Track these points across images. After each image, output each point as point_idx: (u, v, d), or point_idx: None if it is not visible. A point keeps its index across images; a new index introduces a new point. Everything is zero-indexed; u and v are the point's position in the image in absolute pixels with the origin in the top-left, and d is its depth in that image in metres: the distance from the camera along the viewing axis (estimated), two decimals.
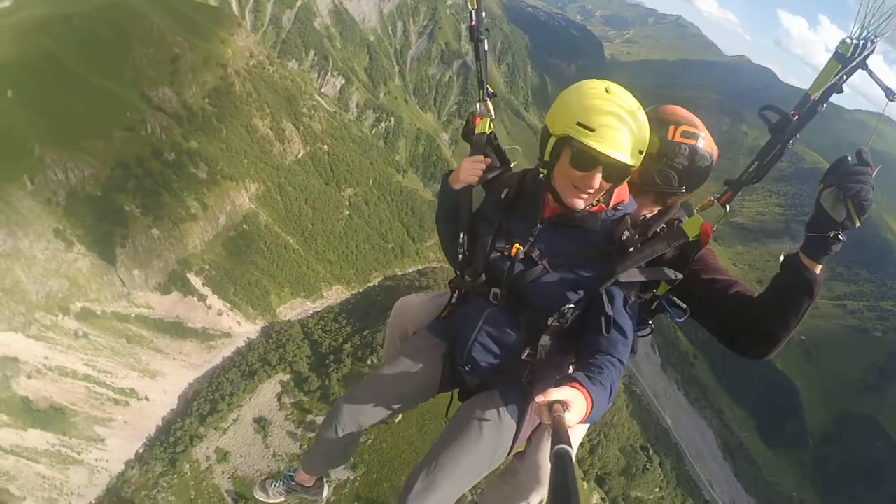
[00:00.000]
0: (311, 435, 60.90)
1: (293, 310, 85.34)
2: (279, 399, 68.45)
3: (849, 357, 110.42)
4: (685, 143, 3.19)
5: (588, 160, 2.75)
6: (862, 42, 2.58)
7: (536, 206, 3.11)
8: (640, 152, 2.79)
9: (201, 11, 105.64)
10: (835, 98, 2.83)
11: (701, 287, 3.18)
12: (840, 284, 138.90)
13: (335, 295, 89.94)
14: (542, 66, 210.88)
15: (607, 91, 2.73)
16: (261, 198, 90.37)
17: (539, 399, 2.26)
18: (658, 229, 3.24)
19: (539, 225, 3.10)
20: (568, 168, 2.84)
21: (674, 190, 3.28)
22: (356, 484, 58.71)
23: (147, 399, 69.71)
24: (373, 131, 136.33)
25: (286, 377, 70.07)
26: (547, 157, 2.91)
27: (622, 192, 3.09)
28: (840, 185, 2.49)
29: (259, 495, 4.61)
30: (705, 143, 3.24)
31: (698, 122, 3.29)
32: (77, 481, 63.93)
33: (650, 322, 3.44)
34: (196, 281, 79.91)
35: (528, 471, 3.58)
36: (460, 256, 3.43)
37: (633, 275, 2.97)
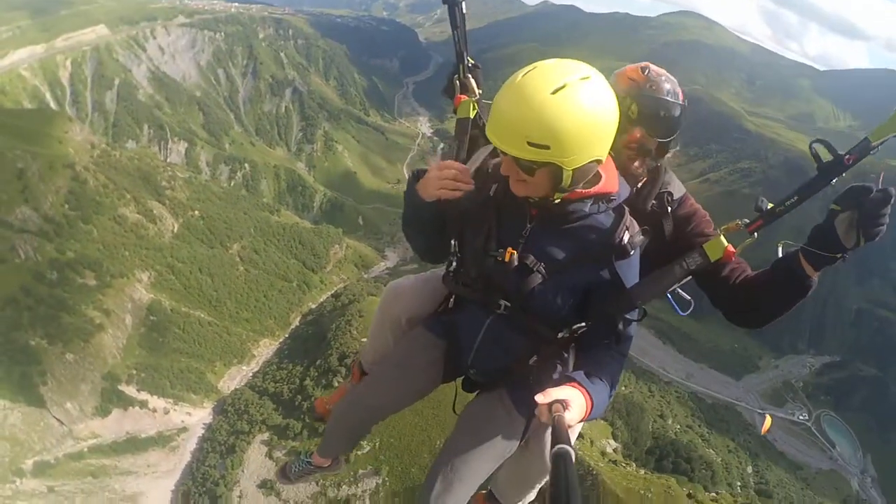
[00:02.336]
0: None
1: (233, 380, 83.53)
2: (271, 457, 66.33)
3: (726, 218, 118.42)
4: (630, 86, 3.17)
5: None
6: None
7: (523, 204, 2.91)
8: (533, 145, 2.42)
9: (26, 117, 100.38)
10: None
11: (708, 273, 3.11)
12: (698, 163, 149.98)
13: (265, 349, 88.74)
14: (366, 70, 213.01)
15: (528, 71, 2.48)
16: (156, 284, 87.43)
17: (539, 399, 2.32)
18: (650, 206, 3.27)
19: (529, 225, 2.92)
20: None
21: (640, 143, 3.21)
22: (386, 484, 58.10)
23: None
24: (231, 183, 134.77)
25: (265, 435, 68.53)
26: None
27: (609, 183, 2.87)
28: (862, 223, 2.49)
29: (283, 482, 4.78)
30: (653, 82, 3.17)
31: (649, 67, 3.24)
32: None
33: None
34: (130, 390, 76.46)
35: (533, 457, 3.46)
36: (453, 263, 3.27)
37: (649, 296, 2.92)
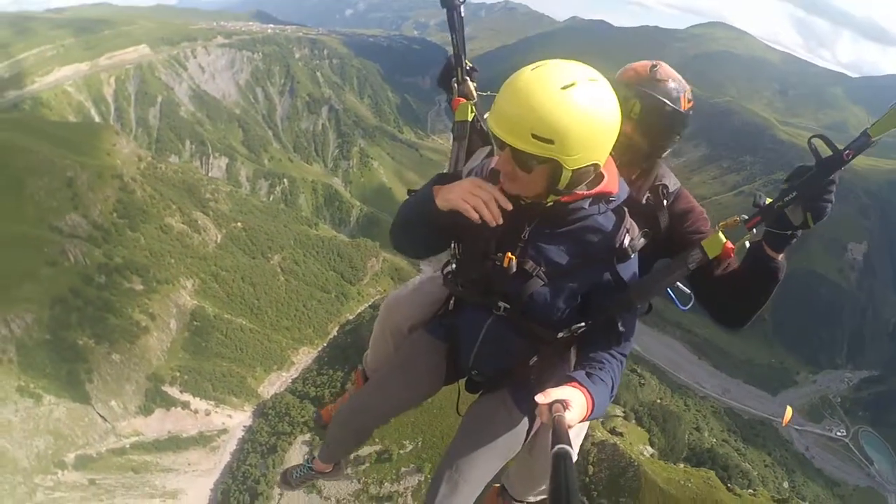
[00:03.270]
0: (363, 467, 60.91)
1: (272, 385, 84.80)
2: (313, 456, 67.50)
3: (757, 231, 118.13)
4: (632, 78, 3.22)
5: (494, 137, 2.57)
6: None
7: (520, 206, 2.82)
8: (537, 138, 2.38)
9: (75, 130, 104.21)
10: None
11: (701, 272, 3.11)
12: (732, 176, 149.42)
13: (304, 357, 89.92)
14: (399, 88, 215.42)
15: (535, 67, 2.45)
16: (200, 291, 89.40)
17: (539, 399, 2.31)
18: (644, 199, 3.33)
19: (528, 227, 2.88)
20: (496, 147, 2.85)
21: (638, 147, 3.25)
22: (429, 481, 58.36)
23: None
24: (271, 197, 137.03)
25: (307, 436, 69.51)
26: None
27: (610, 183, 2.85)
28: (805, 201, 2.64)
29: (284, 487, 4.93)
30: (658, 82, 3.19)
31: (659, 66, 3.25)
32: None
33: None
34: (173, 391, 78.33)
35: (540, 455, 3.53)
36: (453, 266, 3.30)
37: (649, 294, 2.96)
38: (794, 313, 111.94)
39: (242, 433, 78.27)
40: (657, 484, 42.64)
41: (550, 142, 2.37)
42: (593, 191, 2.75)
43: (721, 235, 2.88)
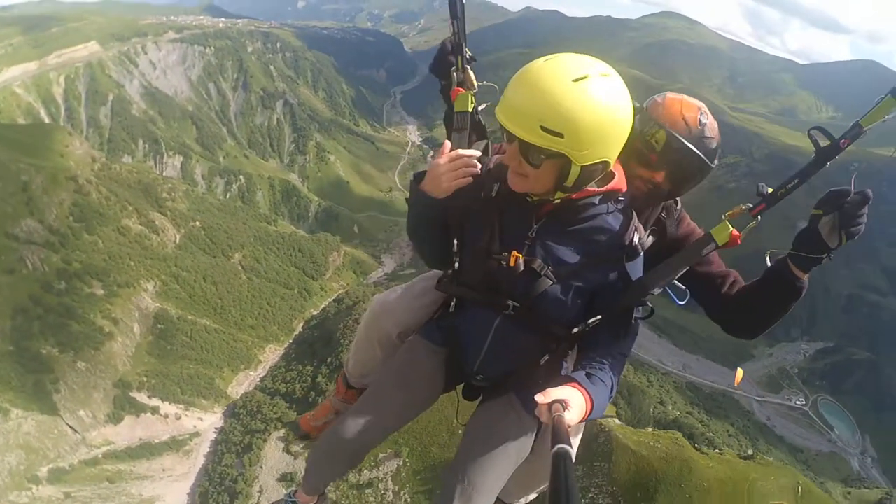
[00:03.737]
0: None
1: (241, 385, 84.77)
2: (288, 451, 67.33)
3: (714, 212, 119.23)
4: (678, 124, 3.05)
5: (502, 129, 2.55)
6: None
7: (527, 205, 2.83)
8: (546, 130, 2.38)
9: (26, 132, 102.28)
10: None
11: (699, 278, 3.21)
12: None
13: (271, 355, 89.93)
14: (354, 80, 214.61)
15: (547, 59, 2.45)
16: (161, 293, 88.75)
17: (539, 399, 2.28)
18: (660, 216, 3.30)
19: (535, 225, 2.84)
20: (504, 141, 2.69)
21: (655, 191, 3.16)
22: (407, 464, 58.43)
23: None
24: (227, 195, 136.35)
25: (281, 432, 69.30)
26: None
27: (619, 181, 2.84)
28: (842, 223, 2.58)
29: None
30: (703, 138, 3.04)
31: (708, 118, 3.09)
32: None
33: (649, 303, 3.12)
34: (141, 397, 77.79)
35: (540, 458, 3.40)
36: (455, 264, 3.16)
37: (659, 283, 2.92)
38: None
39: (215, 434, 78.05)
40: (628, 447, 43.49)
41: (560, 135, 2.38)
42: (603, 189, 2.75)
43: (728, 224, 2.89)
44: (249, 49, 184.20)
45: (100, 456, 72.58)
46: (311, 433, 4.31)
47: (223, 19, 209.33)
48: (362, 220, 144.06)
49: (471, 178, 2.91)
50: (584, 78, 2.32)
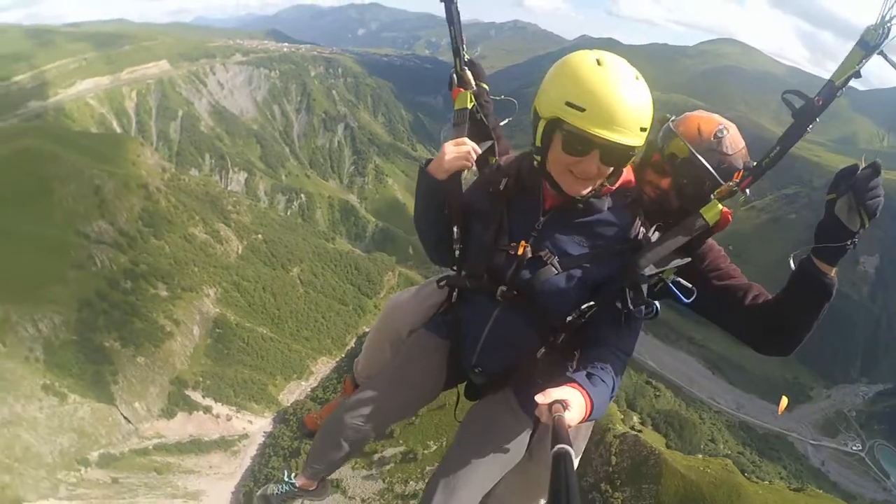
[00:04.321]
0: (388, 467, 61.31)
1: (292, 393, 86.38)
2: None
3: (774, 245, 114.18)
4: (693, 137, 3.01)
5: (581, 144, 2.55)
6: (887, 28, 2.60)
7: (536, 197, 2.94)
8: (643, 130, 2.56)
9: (101, 140, 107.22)
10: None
11: (718, 293, 3.05)
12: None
13: (322, 367, 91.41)
14: (412, 106, 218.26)
15: (599, 63, 2.51)
16: (222, 300, 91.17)
17: (539, 399, 2.29)
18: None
19: (542, 218, 2.93)
20: (561, 154, 2.65)
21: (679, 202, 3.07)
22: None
23: None
24: (288, 212, 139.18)
25: None
26: (538, 143, 2.71)
27: (629, 173, 2.95)
28: (858, 199, 2.45)
29: None
30: (718, 154, 2.99)
31: (727, 133, 3.03)
32: None
33: (656, 303, 3.00)
34: (195, 395, 79.90)
35: (539, 468, 3.45)
36: (456, 253, 3.26)
37: (651, 268, 2.83)
38: None
39: (263, 438, 79.35)
40: (678, 470, 43.68)
41: (646, 130, 2.57)
42: (616, 185, 2.83)
43: (719, 204, 2.86)
44: (312, 73, 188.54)
45: (150, 447, 74.58)
46: (316, 432, 4.16)
47: (287, 44, 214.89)
48: (417, 243, 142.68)
49: (467, 164, 3.07)
50: (637, 76, 2.55)
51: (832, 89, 2.74)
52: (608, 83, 2.43)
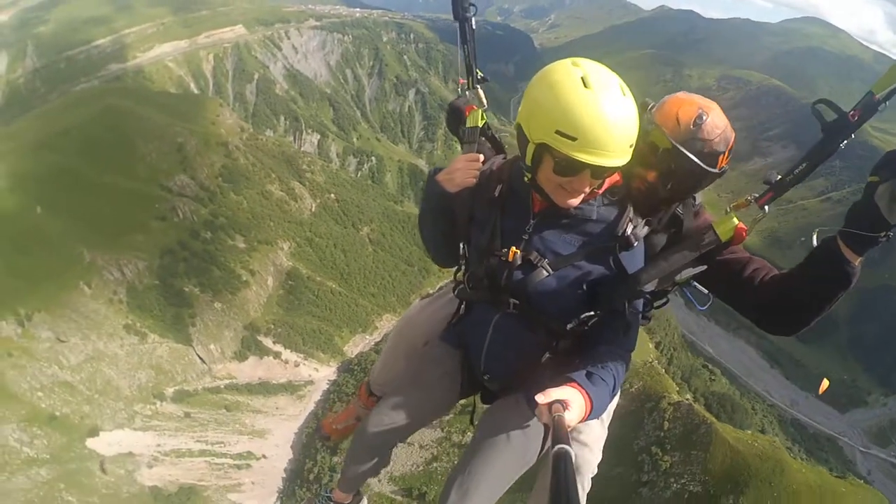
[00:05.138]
0: (447, 417, 62.82)
1: (356, 346, 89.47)
2: None
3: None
4: (673, 128, 2.85)
5: (573, 168, 2.51)
6: None
7: (526, 202, 2.92)
8: (631, 146, 2.52)
9: (182, 100, 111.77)
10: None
11: (724, 271, 2.98)
12: (819, 180, 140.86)
13: (386, 323, 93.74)
14: (483, 73, 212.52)
15: (585, 84, 2.39)
16: (295, 254, 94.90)
17: (539, 399, 2.31)
18: (675, 210, 3.11)
19: (532, 221, 2.92)
20: (552, 174, 2.60)
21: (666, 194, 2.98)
22: None
23: (265, 457, 72.25)
24: (359, 174, 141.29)
25: None
26: (528, 162, 2.66)
27: (615, 175, 2.82)
28: None
29: None
30: (698, 141, 2.82)
31: (707, 119, 2.83)
32: None
33: (667, 295, 3.25)
34: (267, 341, 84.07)
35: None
36: (462, 266, 3.29)
37: (655, 282, 2.84)
38: (872, 328, 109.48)
39: (327, 385, 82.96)
40: (727, 441, 44.32)
41: (633, 144, 2.54)
42: (603, 188, 2.79)
43: (734, 218, 2.78)
44: (384, 38, 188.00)
45: (222, 387, 79.26)
46: (333, 435, 4.51)
47: (359, 9, 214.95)
48: None
49: (475, 181, 3.13)
50: (623, 90, 2.46)
51: (872, 103, 2.47)
52: (597, 110, 2.38)
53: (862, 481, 52.51)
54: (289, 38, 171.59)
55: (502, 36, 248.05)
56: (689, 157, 2.79)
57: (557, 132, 2.42)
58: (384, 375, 4.18)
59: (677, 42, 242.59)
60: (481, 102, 3.70)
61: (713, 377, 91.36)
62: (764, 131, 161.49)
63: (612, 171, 2.57)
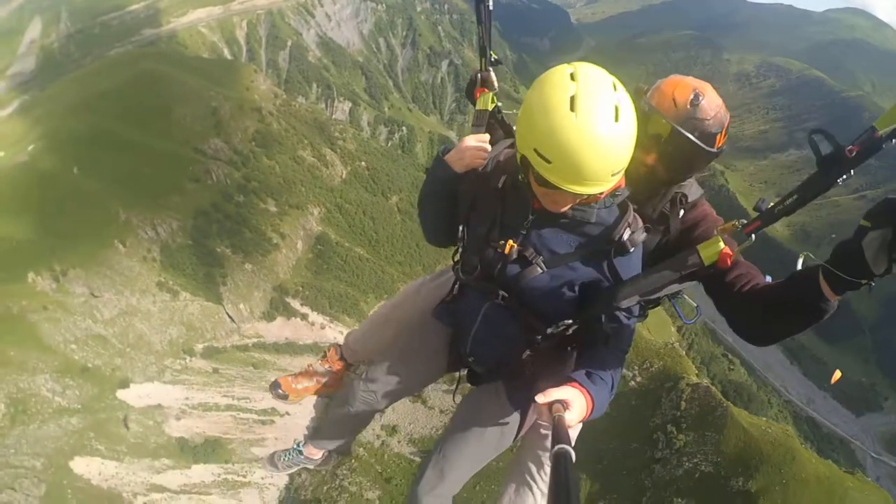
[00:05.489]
0: (467, 385, 64.18)
1: None
2: None
3: None
4: (669, 109, 2.93)
5: (550, 185, 2.47)
6: None
7: (526, 198, 2.85)
8: (615, 175, 2.44)
9: (216, 66, 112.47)
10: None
11: (712, 277, 2.93)
12: (854, 178, 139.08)
13: None
14: (517, 47, 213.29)
15: (572, 106, 2.27)
16: (325, 219, 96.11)
17: (539, 399, 2.38)
18: (662, 209, 3.19)
19: (531, 217, 2.88)
20: (535, 184, 2.63)
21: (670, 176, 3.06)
22: None
23: (288, 414, 73.25)
24: (389, 143, 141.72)
25: None
26: (518, 163, 2.65)
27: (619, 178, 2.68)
28: (894, 246, 2.05)
29: (268, 468, 4.68)
30: (696, 121, 2.89)
31: (703, 98, 2.91)
32: (250, 502, 67.68)
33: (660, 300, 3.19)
34: (294, 303, 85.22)
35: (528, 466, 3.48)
36: (460, 250, 3.32)
37: (634, 299, 2.77)
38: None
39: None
40: (741, 424, 44.95)
41: (622, 169, 2.47)
42: (606, 190, 2.66)
43: (720, 241, 2.72)
44: (419, 8, 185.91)
45: (249, 345, 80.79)
46: (291, 395, 4.46)
47: None
48: None
49: (482, 162, 3.12)
50: (618, 110, 2.32)
51: (874, 140, 2.27)
52: (577, 138, 2.29)
53: (870, 480, 52.60)
54: (322, 6, 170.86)
55: (538, 10, 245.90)
56: (687, 136, 2.89)
57: (535, 150, 2.42)
58: (363, 344, 4.25)
59: (718, 24, 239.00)
60: (492, 85, 3.64)
61: (732, 366, 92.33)
62: (801, 122, 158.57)
63: (591, 196, 2.59)
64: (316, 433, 4.30)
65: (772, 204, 2.60)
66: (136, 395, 68.87)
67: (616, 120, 2.29)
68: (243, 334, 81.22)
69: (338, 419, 3.97)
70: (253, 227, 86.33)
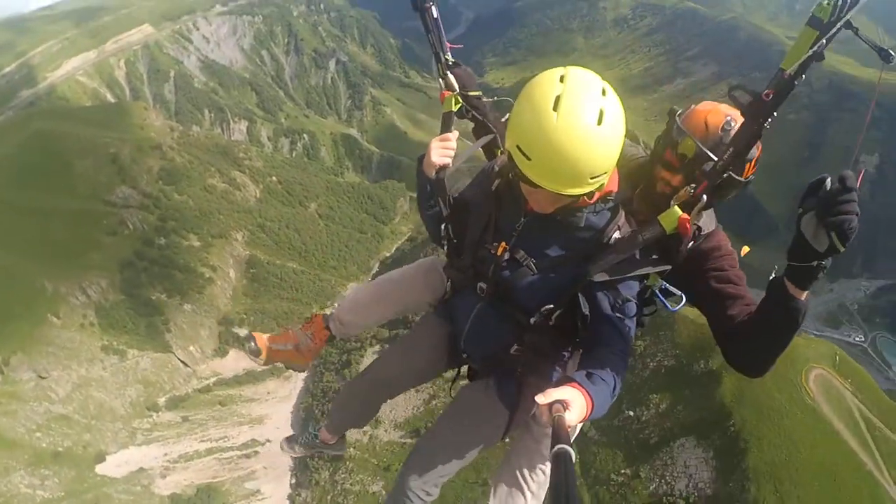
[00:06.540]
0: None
1: None
2: None
3: (778, 145, 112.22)
4: (700, 131, 2.92)
5: (532, 183, 2.53)
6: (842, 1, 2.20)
7: (519, 200, 2.92)
8: (595, 178, 2.49)
9: (106, 111, 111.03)
10: None
11: (711, 295, 3.08)
12: (746, 95, 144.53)
13: None
14: (399, 33, 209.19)
15: (556, 106, 2.36)
16: (250, 242, 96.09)
17: (539, 399, 2.28)
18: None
19: (523, 219, 2.97)
20: (522, 182, 2.66)
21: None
22: None
23: (269, 441, 73.55)
24: (294, 153, 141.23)
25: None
26: (507, 160, 2.65)
27: (611, 182, 2.87)
28: (821, 215, 2.17)
29: (285, 450, 4.66)
30: (724, 146, 2.76)
31: (730, 122, 2.88)
32: None
33: (654, 303, 3.31)
34: (242, 332, 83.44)
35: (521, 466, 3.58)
36: (446, 246, 3.41)
37: (610, 273, 2.84)
38: None
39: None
40: (688, 317, 48.89)
41: (604, 174, 2.53)
42: (597, 195, 2.81)
43: (677, 209, 2.75)
44: (295, 13, 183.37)
45: (211, 384, 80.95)
46: (263, 352, 4.01)
47: None
48: None
49: (448, 161, 3.24)
50: (602, 114, 2.38)
51: (783, 80, 2.44)
52: (555, 137, 2.36)
53: (812, 335, 59.67)
54: (198, 29, 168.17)
55: None
56: (714, 161, 2.80)
57: (518, 147, 2.49)
58: (356, 317, 3.98)
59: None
60: (453, 88, 3.59)
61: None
62: (683, 52, 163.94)
63: (570, 197, 2.65)
64: (330, 421, 4.27)
65: (712, 164, 2.75)
66: (115, 465, 68.24)
67: (599, 123, 2.38)
68: (201, 376, 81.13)
69: (346, 407, 4.13)
70: (181, 266, 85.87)
